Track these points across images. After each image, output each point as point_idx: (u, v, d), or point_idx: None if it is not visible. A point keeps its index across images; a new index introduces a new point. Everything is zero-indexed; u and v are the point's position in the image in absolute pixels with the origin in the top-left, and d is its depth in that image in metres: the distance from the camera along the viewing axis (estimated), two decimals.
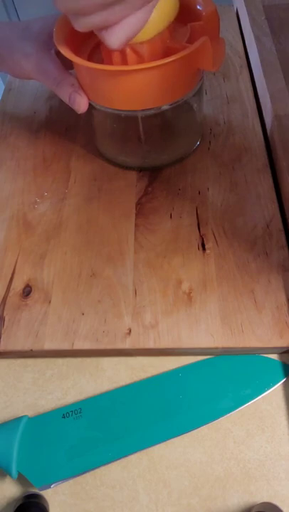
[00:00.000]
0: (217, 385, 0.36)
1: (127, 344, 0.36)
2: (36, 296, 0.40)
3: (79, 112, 0.43)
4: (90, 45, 0.43)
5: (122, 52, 0.38)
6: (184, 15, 0.40)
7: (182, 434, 0.34)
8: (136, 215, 0.44)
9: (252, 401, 0.35)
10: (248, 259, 0.40)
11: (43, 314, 0.39)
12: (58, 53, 0.43)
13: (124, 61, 0.38)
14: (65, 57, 0.41)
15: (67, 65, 0.42)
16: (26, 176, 0.49)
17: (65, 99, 0.43)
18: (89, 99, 0.42)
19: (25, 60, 0.44)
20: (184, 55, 0.36)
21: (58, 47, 0.39)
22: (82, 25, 0.31)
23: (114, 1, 0.29)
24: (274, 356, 0.37)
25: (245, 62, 0.58)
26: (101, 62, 0.40)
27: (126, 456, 0.34)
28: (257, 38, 0.55)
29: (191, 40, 0.39)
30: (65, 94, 0.42)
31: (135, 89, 0.39)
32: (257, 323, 0.37)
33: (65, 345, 0.37)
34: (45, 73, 0.44)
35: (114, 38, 0.32)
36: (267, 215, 0.43)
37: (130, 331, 0.37)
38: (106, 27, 0.32)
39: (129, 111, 0.42)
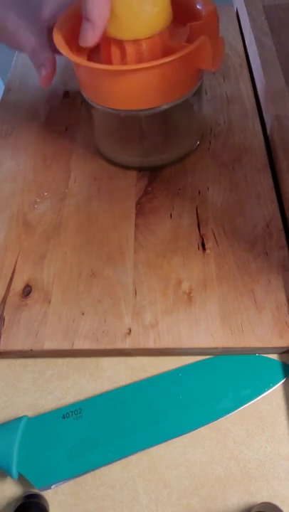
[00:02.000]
0: (217, 385, 0.36)
1: (127, 344, 0.36)
2: (36, 296, 0.40)
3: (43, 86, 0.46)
4: None
5: (122, 51, 0.38)
6: (184, 14, 0.40)
7: (182, 434, 0.34)
8: (136, 214, 0.44)
9: (252, 401, 0.35)
10: (248, 259, 0.40)
11: (42, 314, 0.39)
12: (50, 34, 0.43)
13: (124, 61, 0.38)
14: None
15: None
16: (26, 176, 0.49)
17: (36, 69, 0.45)
18: (89, 98, 0.42)
19: (22, 30, 0.45)
20: (184, 55, 0.36)
21: (58, 47, 0.39)
22: None
23: None
24: (274, 356, 0.37)
25: (245, 62, 0.58)
26: (100, 61, 0.40)
27: (126, 456, 0.34)
28: (257, 38, 0.55)
29: (190, 40, 0.39)
30: (36, 63, 0.45)
31: (135, 89, 0.39)
32: (257, 323, 0.37)
33: (65, 345, 0.37)
34: (27, 41, 0.45)
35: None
36: (267, 215, 0.43)
37: (130, 330, 0.37)
38: None
39: (128, 110, 0.42)
